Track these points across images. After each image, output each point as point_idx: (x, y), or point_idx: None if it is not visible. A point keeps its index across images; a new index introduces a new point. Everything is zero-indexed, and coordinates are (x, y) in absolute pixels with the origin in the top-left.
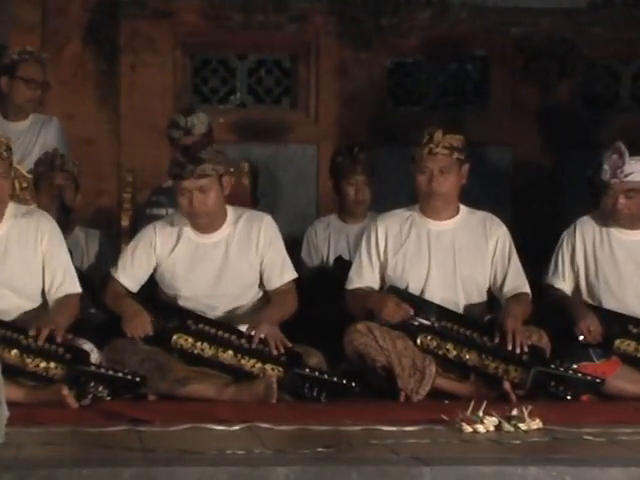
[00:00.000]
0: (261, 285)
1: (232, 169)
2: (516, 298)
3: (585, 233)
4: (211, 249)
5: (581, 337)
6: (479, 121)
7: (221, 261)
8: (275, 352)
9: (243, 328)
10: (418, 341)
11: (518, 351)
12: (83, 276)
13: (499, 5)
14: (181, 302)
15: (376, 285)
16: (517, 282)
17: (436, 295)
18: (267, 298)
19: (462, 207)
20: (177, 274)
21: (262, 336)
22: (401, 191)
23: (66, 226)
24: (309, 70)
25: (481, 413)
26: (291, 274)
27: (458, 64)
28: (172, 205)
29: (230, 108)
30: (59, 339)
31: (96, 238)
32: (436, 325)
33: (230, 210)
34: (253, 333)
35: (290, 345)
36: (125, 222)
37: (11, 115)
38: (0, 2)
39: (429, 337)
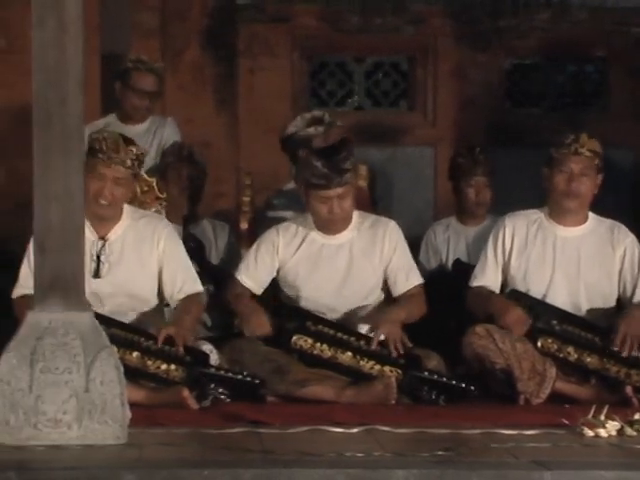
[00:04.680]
0: (384, 289)
1: None
2: None
3: None
4: (335, 251)
5: None
6: (599, 123)
7: (345, 263)
8: (394, 353)
9: (363, 329)
10: (538, 344)
11: (625, 354)
12: (214, 270)
13: (619, 5)
14: (302, 303)
15: (498, 284)
16: None
17: (558, 301)
18: (390, 302)
19: (591, 215)
20: (300, 275)
21: (382, 338)
22: (519, 193)
23: (193, 217)
24: (426, 72)
25: (603, 417)
26: (417, 279)
27: (577, 65)
28: (292, 207)
29: (347, 111)
30: (184, 343)
31: (225, 231)
32: (557, 328)
33: (355, 214)
34: (373, 334)
35: (410, 345)
36: (244, 225)
37: (125, 119)
38: (121, 9)
39: (549, 340)
